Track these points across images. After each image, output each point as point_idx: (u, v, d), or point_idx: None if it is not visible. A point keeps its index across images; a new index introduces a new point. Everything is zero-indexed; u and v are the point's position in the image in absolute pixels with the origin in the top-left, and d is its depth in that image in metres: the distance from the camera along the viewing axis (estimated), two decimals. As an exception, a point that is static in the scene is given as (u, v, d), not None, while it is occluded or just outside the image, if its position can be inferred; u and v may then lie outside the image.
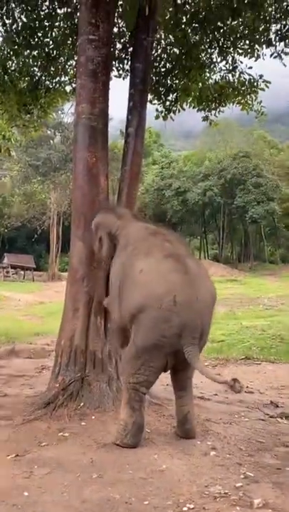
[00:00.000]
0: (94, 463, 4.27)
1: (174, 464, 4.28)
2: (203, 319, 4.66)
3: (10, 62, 8.36)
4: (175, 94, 8.13)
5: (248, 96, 8.18)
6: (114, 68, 7.91)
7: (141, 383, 4.66)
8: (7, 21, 7.94)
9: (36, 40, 8.08)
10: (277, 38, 7.53)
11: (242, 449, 4.73)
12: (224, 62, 8.12)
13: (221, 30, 7.78)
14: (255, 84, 8.04)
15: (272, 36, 7.61)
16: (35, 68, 8.47)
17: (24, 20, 7.95)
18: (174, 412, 5.19)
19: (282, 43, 7.53)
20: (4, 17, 7.91)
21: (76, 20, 7.39)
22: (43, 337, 13.33)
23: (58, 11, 8.04)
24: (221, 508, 3.49)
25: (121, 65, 8.04)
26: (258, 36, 7.66)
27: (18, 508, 3.47)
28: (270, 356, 10.32)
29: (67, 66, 8.59)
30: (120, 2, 7.47)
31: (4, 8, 7.83)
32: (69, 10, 7.98)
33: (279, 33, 7.50)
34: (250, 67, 8.08)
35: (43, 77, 8.63)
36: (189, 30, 7.81)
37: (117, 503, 3.57)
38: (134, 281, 4.78)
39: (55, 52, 8.29)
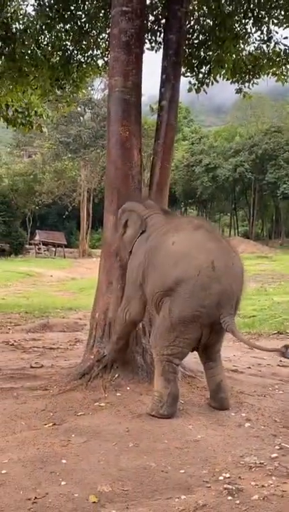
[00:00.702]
0: (130, 432, 4.32)
1: (209, 434, 4.31)
2: (239, 287, 4.69)
3: (42, 36, 8.33)
4: (208, 66, 7.98)
5: (283, 67, 8.04)
6: (146, 41, 7.80)
7: (175, 355, 4.67)
8: (40, -5, 7.88)
9: (69, 13, 8.01)
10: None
11: (276, 421, 4.74)
12: (259, 33, 7.96)
13: (256, 0, 7.62)
14: (291, 54, 7.89)
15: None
16: (67, 42, 8.40)
17: (57, -7, 7.88)
18: (206, 384, 5.22)
19: None
20: (37, -10, 7.86)
21: (109, -8, 7.32)
22: (76, 312, 13.47)
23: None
24: (256, 477, 3.52)
25: (153, 38, 7.92)
26: (293, 5, 7.50)
27: (56, 475, 3.54)
28: (303, 331, 10.27)
29: (99, 40, 8.50)
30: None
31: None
32: (102, -18, 7.89)
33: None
34: (286, 38, 7.92)
35: (76, 51, 8.57)
36: (223, 1, 7.64)
37: (153, 471, 3.62)
38: (167, 254, 4.76)
39: (87, 25, 8.21)
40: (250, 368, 7.05)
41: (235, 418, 4.74)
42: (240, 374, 6.58)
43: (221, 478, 3.50)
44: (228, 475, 3.54)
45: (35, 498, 3.19)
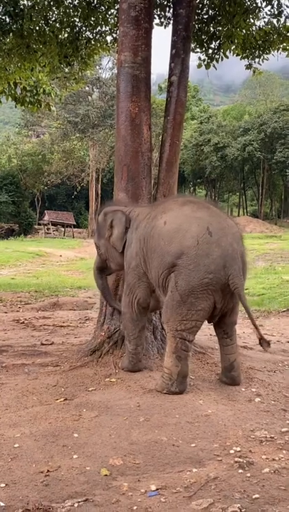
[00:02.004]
0: (140, 407, 4.35)
1: (219, 409, 4.33)
2: (240, 245, 4.72)
3: (50, 12, 8.25)
4: (218, 41, 7.90)
5: (294, 41, 7.93)
6: (155, 16, 7.71)
7: (189, 330, 4.64)
8: None
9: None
10: None
11: (287, 396, 4.76)
12: (269, 7, 7.84)
13: (266, -26, 7.50)
14: (302, 28, 7.78)
15: None
16: (75, 18, 8.32)
17: None
18: (217, 360, 5.24)
19: None
20: None
21: None
22: (85, 291, 13.53)
23: None
24: (267, 451, 3.54)
25: (162, 13, 7.83)
26: (304, -21, 7.39)
27: (68, 449, 3.58)
28: (312, 309, 10.27)
29: (107, 16, 8.40)
30: None
31: None
32: None
33: None
34: (296, 12, 7.79)
35: (84, 28, 8.50)
36: (233, -26, 7.52)
37: (164, 445, 3.65)
38: (161, 235, 4.78)
39: (96, 1, 8.13)
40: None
41: (246, 393, 4.76)
42: (250, 350, 6.61)
43: (231, 451, 3.52)
44: (238, 449, 3.56)
45: (48, 471, 3.23)
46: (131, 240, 5.28)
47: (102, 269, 5.89)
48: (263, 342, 4.60)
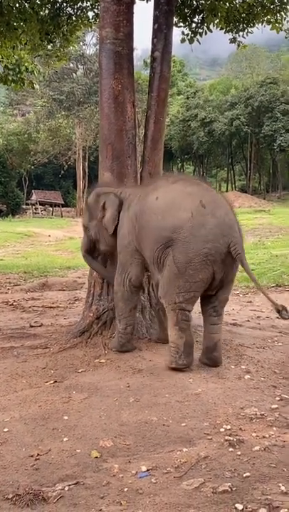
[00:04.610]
0: (130, 387, 4.34)
1: (209, 387, 4.34)
2: (234, 218, 4.74)
3: (30, -12, 8.09)
4: (201, 15, 7.77)
5: (278, 14, 7.80)
6: (137, -10, 7.57)
7: (187, 301, 4.64)
8: None
9: None
10: None
11: (276, 372, 4.78)
12: (252, -21, 7.69)
13: None
14: (285, 0, 7.64)
15: None
16: (56, -6, 8.19)
17: None
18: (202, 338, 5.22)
19: None
20: None
21: None
22: (74, 271, 13.49)
23: None
24: (257, 428, 3.55)
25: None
26: None
27: (58, 432, 3.57)
28: (302, 283, 10.29)
29: (88, -9, 8.28)
30: None
31: None
32: None
33: None
34: (281, -17, 7.66)
35: (65, 4, 8.36)
36: None
37: (154, 425, 3.64)
38: (153, 211, 4.80)
39: (75, -25, 7.99)
40: (249, 321, 7.10)
41: (235, 370, 4.77)
42: (240, 327, 6.62)
43: (222, 430, 3.52)
44: (229, 427, 3.57)
45: (38, 454, 3.22)
46: (123, 221, 5.27)
47: (91, 251, 5.86)
48: (281, 311, 4.53)
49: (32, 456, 3.20)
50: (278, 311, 4.50)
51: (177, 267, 4.55)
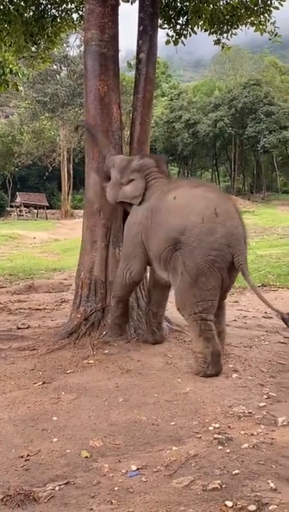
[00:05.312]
0: (119, 388, 4.36)
1: (197, 386, 4.37)
2: (243, 232, 4.78)
3: (15, -10, 8.07)
4: (186, 17, 7.82)
5: (261, 16, 7.86)
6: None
7: (207, 310, 4.66)
8: None
9: None
10: None
11: (263, 371, 4.82)
12: (236, -19, 7.74)
13: None
14: (269, 2, 7.70)
15: None
16: (40, -4, 8.18)
17: None
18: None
19: None
20: None
21: None
22: (60, 272, 13.46)
23: None
24: (245, 426, 3.58)
25: (129, -11, 7.71)
26: None
27: (47, 432, 3.58)
28: (287, 283, 10.35)
29: (73, -7, 8.27)
30: None
31: None
32: None
33: None
34: (263, -14, 7.71)
35: (49, 6, 8.35)
36: None
37: (143, 424, 3.66)
38: (168, 208, 4.86)
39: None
40: (235, 320, 7.13)
41: (223, 369, 4.78)
42: (227, 327, 6.63)
43: (210, 428, 3.55)
44: (217, 425, 3.60)
45: (28, 455, 3.23)
46: (138, 210, 5.33)
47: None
48: (287, 319, 4.55)
49: (22, 457, 3.21)
50: (283, 319, 4.54)
51: (189, 275, 4.61)
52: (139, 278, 5.49)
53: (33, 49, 9.04)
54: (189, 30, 7.93)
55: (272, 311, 4.78)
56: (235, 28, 8.15)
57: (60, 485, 2.85)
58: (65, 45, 39.66)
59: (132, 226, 5.34)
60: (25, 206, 48.32)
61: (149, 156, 5.68)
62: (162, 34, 7.87)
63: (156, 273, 5.27)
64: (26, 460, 3.17)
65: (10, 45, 8.81)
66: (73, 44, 41.48)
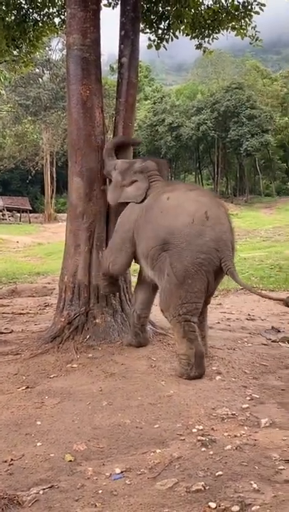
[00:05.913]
0: (103, 391, 4.37)
1: (181, 389, 4.38)
2: (231, 237, 4.80)
3: (-4, -5, 8.04)
4: (167, 21, 7.86)
5: (242, 20, 7.93)
6: (104, -4, 7.61)
7: (191, 312, 4.68)
8: None
9: None
10: None
11: (246, 373, 4.85)
12: (217, -14, 7.79)
13: None
14: (249, 7, 7.79)
15: None
16: (22, 0, 8.17)
17: None
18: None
19: None
20: None
21: None
22: (44, 276, 13.44)
23: None
24: (229, 428, 3.60)
25: (111, -7, 7.75)
26: None
27: (31, 437, 3.57)
28: (270, 285, 10.43)
29: (54, -3, 8.27)
30: None
31: None
32: None
33: None
34: (244, -10, 7.77)
35: (31, 10, 8.35)
36: None
37: (127, 427, 3.67)
38: (161, 208, 4.90)
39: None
40: (219, 322, 7.17)
41: (207, 372, 4.80)
42: (210, 329, 6.65)
43: (194, 430, 3.57)
44: (201, 427, 3.61)
45: (12, 460, 3.22)
46: (134, 207, 5.36)
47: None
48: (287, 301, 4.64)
49: (6, 461, 3.20)
50: (287, 304, 4.64)
51: (176, 276, 4.62)
52: (120, 272, 5.62)
53: (15, 53, 9.04)
54: (171, 34, 7.97)
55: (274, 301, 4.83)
56: (216, 33, 8.23)
57: (44, 489, 2.84)
58: (47, 48, 39.55)
59: (125, 222, 5.38)
60: (7, 210, 48.10)
61: (151, 159, 5.71)
62: (144, 38, 7.92)
63: (144, 272, 5.32)
64: (10, 464, 3.16)
65: (-9, 49, 8.79)
66: (55, 48, 41.40)
